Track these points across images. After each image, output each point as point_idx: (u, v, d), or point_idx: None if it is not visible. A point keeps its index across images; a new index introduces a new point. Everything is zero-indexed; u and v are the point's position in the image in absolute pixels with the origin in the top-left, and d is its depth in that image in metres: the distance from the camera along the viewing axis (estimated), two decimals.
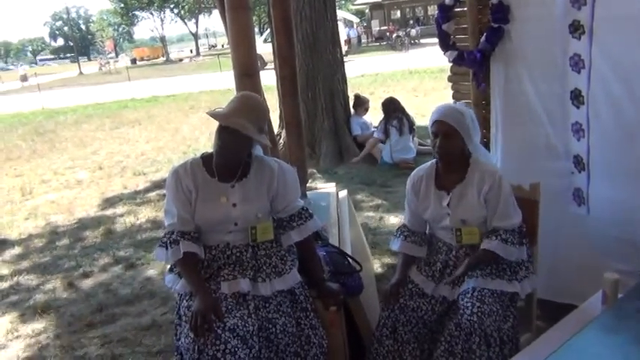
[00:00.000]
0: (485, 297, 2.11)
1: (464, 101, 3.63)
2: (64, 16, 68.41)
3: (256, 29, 39.89)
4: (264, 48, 16.85)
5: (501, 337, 2.06)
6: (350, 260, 2.54)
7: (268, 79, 7.02)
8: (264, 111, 2.24)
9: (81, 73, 41.89)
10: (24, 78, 34.44)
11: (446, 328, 2.15)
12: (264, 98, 3.32)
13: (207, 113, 2.18)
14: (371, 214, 5.08)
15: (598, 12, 2.45)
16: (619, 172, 2.54)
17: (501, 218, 2.23)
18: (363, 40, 35.87)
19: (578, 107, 2.64)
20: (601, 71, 2.49)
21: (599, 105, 2.53)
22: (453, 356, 2.06)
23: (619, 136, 2.48)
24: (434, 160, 2.40)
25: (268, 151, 2.99)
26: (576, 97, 2.63)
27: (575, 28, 2.54)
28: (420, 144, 6.97)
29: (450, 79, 4.34)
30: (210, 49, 67.96)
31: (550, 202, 2.54)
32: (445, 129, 2.22)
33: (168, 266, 2.30)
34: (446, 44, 3.22)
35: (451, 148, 2.25)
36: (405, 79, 15.46)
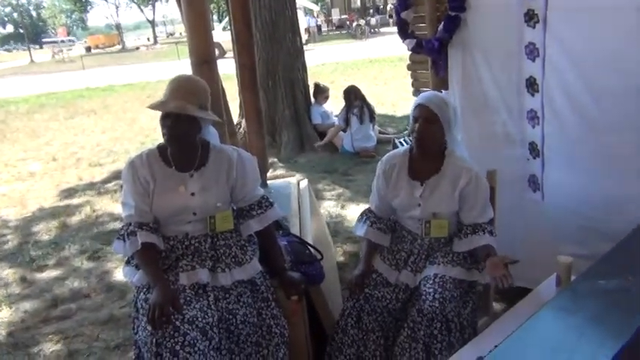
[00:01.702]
0: (447, 283, 2.14)
1: (424, 89, 3.67)
2: (14, 1, 65.72)
3: (215, 17, 39.36)
4: (223, 36, 16.63)
5: (461, 322, 2.10)
6: (311, 249, 2.53)
7: (228, 68, 6.92)
8: (203, 88, 2.18)
9: (32, 61, 40.31)
10: None
11: (409, 314, 2.17)
12: (223, 87, 3.28)
13: (147, 107, 2.14)
14: (332, 202, 5.09)
15: (551, 1, 2.49)
16: (572, 159, 2.60)
17: (480, 214, 2.26)
18: (323, 29, 35.80)
19: (533, 95, 2.69)
20: (555, 60, 2.54)
21: (553, 93, 2.58)
22: (416, 342, 2.09)
23: (572, 124, 2.54)
24: (407, 148, 2.39)
25: (227, 137, 2.95)
26: (531, 85, 2.68)
27: (530, 17, 2.58)
28: (380, 132, 7.03)
29: (409, 67, 4.38)
30: (168, 37, 66.59)
31: (506, 189, 2.59)
32: (426, 114, 2.21)
33: (126, 258, 2.25)
34: (404, 32, 3.23)
35: (430, 134, 2.23)
36: (366, 67, 15.54)
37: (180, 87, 2.11)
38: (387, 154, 2.45)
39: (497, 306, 2.90)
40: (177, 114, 2.05)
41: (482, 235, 2.22)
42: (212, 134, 2.49)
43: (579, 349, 1.20)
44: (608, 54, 2.33)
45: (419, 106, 2.24)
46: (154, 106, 2.09)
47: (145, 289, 2.08)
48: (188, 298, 2.00)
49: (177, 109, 2.04)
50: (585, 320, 1.33)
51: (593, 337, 1.25)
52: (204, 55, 2.70)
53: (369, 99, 7.12)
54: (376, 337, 2.24)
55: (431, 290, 2.12)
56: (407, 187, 2.32)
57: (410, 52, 3.65)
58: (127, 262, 2.23)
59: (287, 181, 3.62)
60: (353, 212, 4.67)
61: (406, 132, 2.53)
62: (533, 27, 2.59)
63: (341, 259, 3.85)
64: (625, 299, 1.37)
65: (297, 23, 7.39)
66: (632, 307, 1.32)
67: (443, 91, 3.02)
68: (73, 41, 54.63)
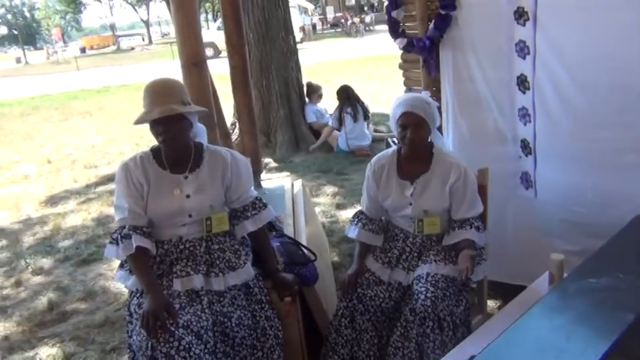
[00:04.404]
0: (439, 282, 2.15)
1: (416, 88, 3.67)
2: (7, 3, 65.32)
3: (210, 16, 39.20)
4: (217, 36, 16.57)
5: (454, 321, 2.10)
6: (304, 250, 2.53)
7: (223, 67, 6.91)
8: (178, 85, 2.17)
9: (27, 62, 40.10)
10: None
11: (402, 314, 2.17)
12: (215, 88, 3.28)
13: (134, 124, 2.12)
14: (328, 202, 5.09)
15: None
16: (564, 156, 2.61)
17: (469, 209, 2.27)
18: (318, 27, 35.75)
19: (524, 92, 2.69)
20: (545, 57, 2.54)
21: (544, 90, 2.59)
22: (408, 341, 2.09)
23: (563, 120, 2.54)
24: (395, 149, 2.41)
25: (218, 138, 2.95)
26: (522, 82, 2.68)
27: (520, 15, 2.58)
28: (375, 130, 7.02)
29: (400, 66, 4.36)
30: (163, 36, 66.32)
31: (499, 186, 2.60)
32: (416, 120, 2.22)
33: (119, 262, 2.25)
34: (395, 31, 3.24)
35: (421, 139, 2.27)
36: (361, 65, 15.52)
37: (156, 92, 2.09)
38: (376, 156, 2.47)
39: (491, 304, 2.91)
40: (166, 117, 2.04)
41: (467, 230, 2.25)
42: (200, 130, 2.49)
43: (568, 349, 1.20)
44: (598, 51, 2.33)
45: (405, 114, 2.24)
46: (140, 121, 2.08)
47: (138, 294, 2.08)
48: (182, 304, 2.00)
49: (164, 113, 2.03)
50: (574, 319, 1.33)
51: (581, 337, 1.25)
52: (193, 57, 2.69)
53: (364, 97, 7.11)
54: (370, 336, 2.25)
55: (423, 289, 2.13)
56: (397, 188, 2.34)
57: (402, 51, 3.65)
58: (121, 266, 2.23)
59: (281, 181, 3.62)
60: (348, 212, 4.67)
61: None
62: (524, 25, 2.59)
63: (336, 259, 3.85)
64: (614, 297, 1.37)
65: (290, 22, 7.38)
66: (620, 305, 1.33)
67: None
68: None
